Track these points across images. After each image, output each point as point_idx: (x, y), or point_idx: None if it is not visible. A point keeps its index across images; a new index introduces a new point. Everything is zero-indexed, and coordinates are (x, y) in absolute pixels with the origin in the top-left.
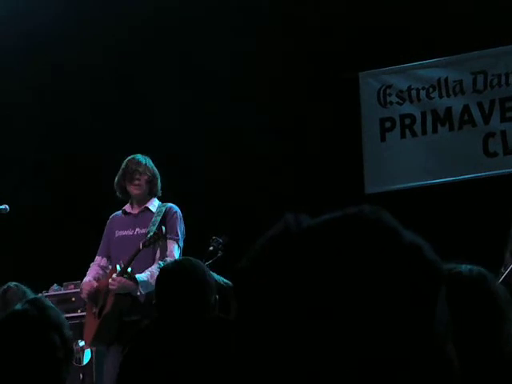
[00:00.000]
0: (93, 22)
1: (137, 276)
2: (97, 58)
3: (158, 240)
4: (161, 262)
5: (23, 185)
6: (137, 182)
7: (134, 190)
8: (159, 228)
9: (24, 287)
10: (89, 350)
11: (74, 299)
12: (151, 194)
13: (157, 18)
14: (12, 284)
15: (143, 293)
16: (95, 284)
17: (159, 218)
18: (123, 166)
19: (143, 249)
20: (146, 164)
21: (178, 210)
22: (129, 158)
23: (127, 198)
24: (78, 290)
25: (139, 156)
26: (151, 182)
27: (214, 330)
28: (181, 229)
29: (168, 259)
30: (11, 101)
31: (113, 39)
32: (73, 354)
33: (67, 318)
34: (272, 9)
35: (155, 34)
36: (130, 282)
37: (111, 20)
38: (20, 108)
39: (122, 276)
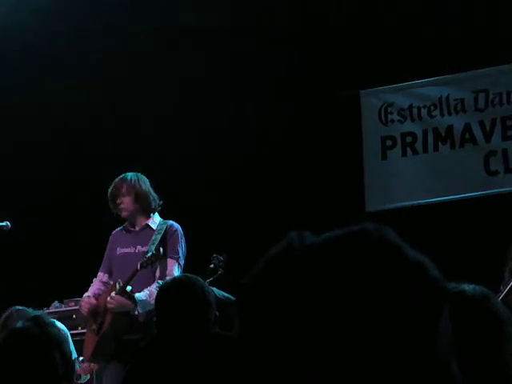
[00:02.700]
0: (94, 36)
1: (136, 295)
2: (99, 72)
3: (156, 261)
4: (160, 282)
5: (24, 201)
6: (120, 206)
7: (121, 213)
8: (157, 248)
9: (28, 311)
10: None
11: (74, 316)
12: (146, 212)
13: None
14: (15, 309)
15: (141, 312)
16: (94, 301)
17: (159, 237)
18: (109, 189)
19: (141, 269)
20: (130, 183)
21: (179, 228)
22: (115, 179)
23: None
24: (78, 307)
25: (125, 175)
26: (138, 200)
27: (214, 346)
28: (181, 247)
29: (168, 278)
30: (14, 114)
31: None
32: (74, 371)
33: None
34: (272, 26)
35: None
36: (128, 301)
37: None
38: (23, 123)
39: (121, 295)
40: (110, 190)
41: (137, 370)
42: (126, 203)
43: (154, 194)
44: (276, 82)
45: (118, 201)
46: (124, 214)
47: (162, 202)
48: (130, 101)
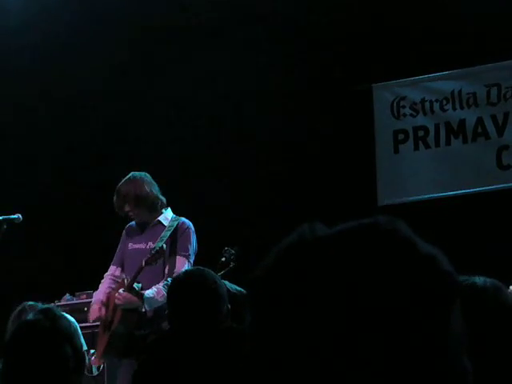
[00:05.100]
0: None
1: (144, 292)
2: (103, 70)
3: (159, 258)
4: (169, 279)
5: (37, 194)
6: (129, 214)
7: (133, 220)
8: (161, 246)
9: (40, 306)
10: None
11: (86, 309)
12: (154, 210)
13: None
14: (27, 304)
15: (148, 309)
16: (103, 312)
17: (168, 233)
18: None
19: (145, 266)
20: (129, 190)
21: (191, 225)
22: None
23: None
24: (91, 300)
25: (124, 182)
26: (140, 204)
27: (226, 339)
28: (192, 245)
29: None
30: (23, 108)
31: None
32: (85, 364)
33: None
34: (284, 21)
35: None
36: (135, 298)
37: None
38: (35, 115)
39: (129, 291)
40: (114, 200)
41: (149, 363)
42: (133, 211)
43: (155, 191)
44: (287, 76)
45: (123, 212)
46: (136, 220)
47: (165, 198)
48: (142, 97)
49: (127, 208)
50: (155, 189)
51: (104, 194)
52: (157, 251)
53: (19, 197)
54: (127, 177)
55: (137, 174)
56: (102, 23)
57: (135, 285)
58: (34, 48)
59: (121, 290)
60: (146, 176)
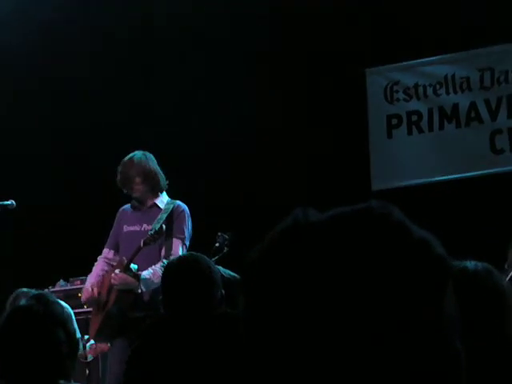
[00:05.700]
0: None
1: (141, 273)
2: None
3: (158, 238)
4: (165, 261)
5: (30, 180)
6: (133, 187)
7: (133, 194)
8: (160, 226)
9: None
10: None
11: (80, 295)
12: (155, 191)
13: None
14: (21, 291)
15: (144, 290)
16: (96, 293)
17: (165, 216)
18: (118, 169)
19: (144, 246)
20: (138, 163)
21: (186, 208)
22: (123, 159)
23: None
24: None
25: (133, 155)
26: (148, 180)
27: (221, 325)
28: (187, 228)
29: (172, 258)
30: (22, 98)
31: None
32: (78, 350)
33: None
34: (277, 3)
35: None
36: (132, 279)
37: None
38: (29, 104)
39: (125, 272)
40: (119, 170)
41: (142, 348)
42: (137, 184)
43: (161, 173)
44: (281, 60)
45: (130, 182)
46: (136, 194)
47: (168, 181)
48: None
49: (133, 180)
50: (161, 171)
51: (99, 183)
52: (156, 232)
53: (13, 183)
54: (136, 152)
55: (145, 152)
56: (101, 20)
57: (132, 266)
58: (33, 42)
59: (117, 271)
60: (153, 158)
